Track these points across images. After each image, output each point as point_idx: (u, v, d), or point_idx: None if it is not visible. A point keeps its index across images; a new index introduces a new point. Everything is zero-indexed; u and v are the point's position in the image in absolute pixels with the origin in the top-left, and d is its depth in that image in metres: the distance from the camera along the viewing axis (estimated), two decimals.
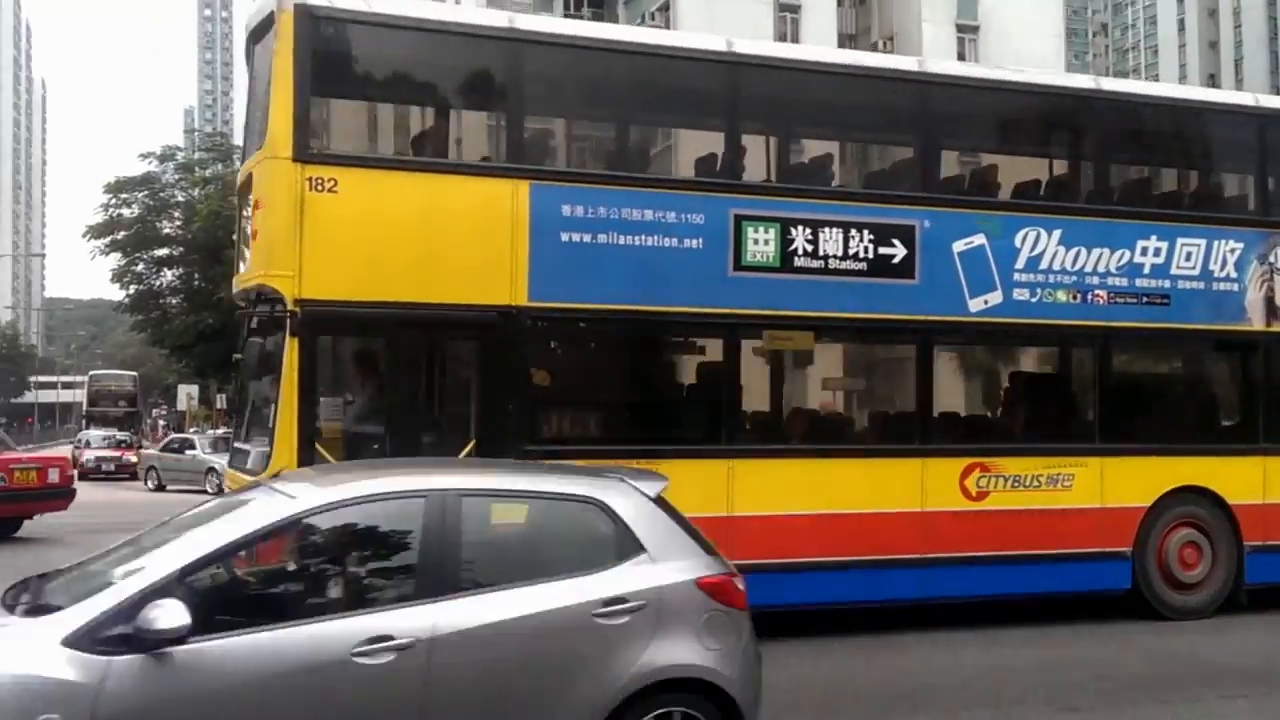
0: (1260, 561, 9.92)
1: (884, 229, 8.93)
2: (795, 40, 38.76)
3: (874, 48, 38.66)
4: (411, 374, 7.99)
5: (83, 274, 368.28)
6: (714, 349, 8.72)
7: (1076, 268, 9.43)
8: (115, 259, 37.64)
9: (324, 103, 8.05)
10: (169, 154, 40.05)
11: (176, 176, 38.96)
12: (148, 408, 69.49)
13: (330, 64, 7.97)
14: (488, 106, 8.78)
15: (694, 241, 8.42)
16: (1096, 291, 9.51)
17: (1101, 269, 9.51)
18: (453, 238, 7.87)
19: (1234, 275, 9.96)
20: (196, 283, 38.89)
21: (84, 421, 51.35)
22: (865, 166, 10.72)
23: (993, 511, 9.15)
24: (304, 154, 7.53)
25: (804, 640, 8.32)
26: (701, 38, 9.25)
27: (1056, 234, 9.39)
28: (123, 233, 37.01)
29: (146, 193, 37.60)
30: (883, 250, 8.89)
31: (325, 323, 7.62)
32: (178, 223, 37.96)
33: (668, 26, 35.56)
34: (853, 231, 8.81)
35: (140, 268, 38.73)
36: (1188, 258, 9.80)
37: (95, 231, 37.08)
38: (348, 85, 8.45)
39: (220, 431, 49.00)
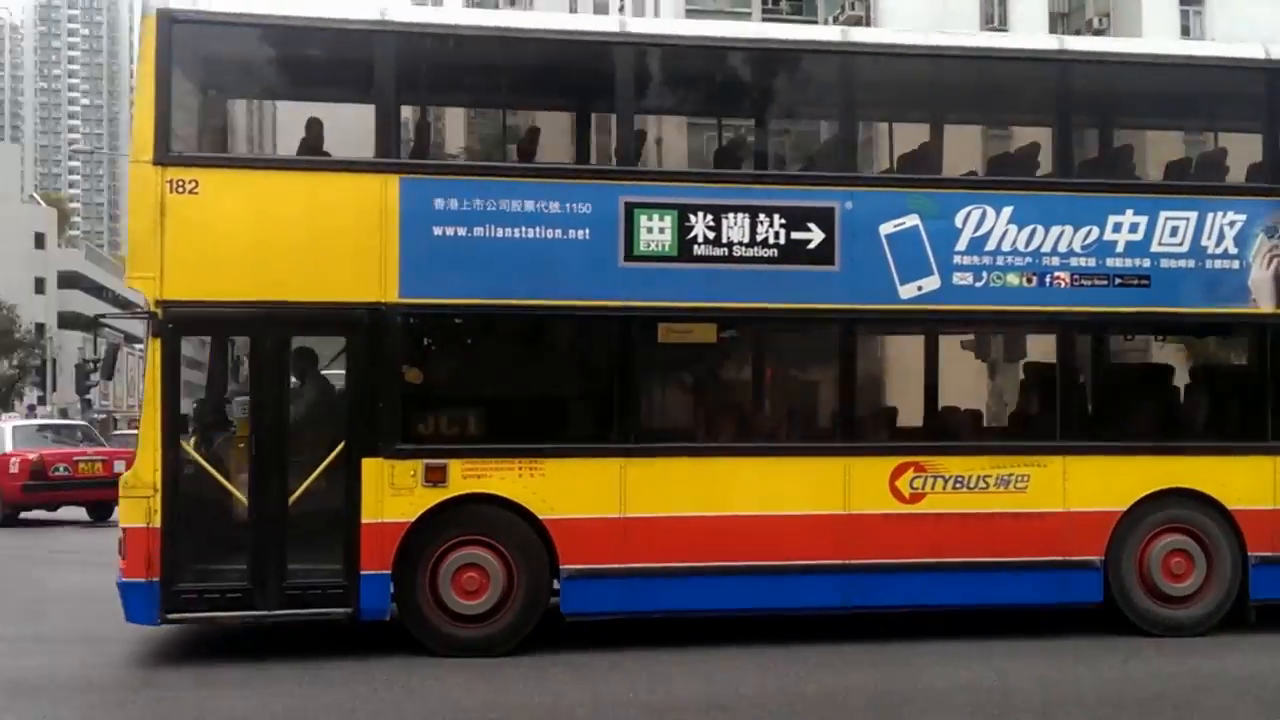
0: (1269, 575, 8.76)
1: (797, 212, 8.32)
2: (1003, 23, 37.07)
3: (1087, 26, 36.43)
4: (279, 374, 8.03)
5: None
6: (604, 343, 8.37)
7: (1032, 248, 8.53)
8: None
9: (187, 105, 8.19)
10: None
11: None
12: None
13: (193, 67, 8.15)
14: (356, 100, 8.73)
15: (580, 232, 8.11)
16: (1057, 274, 8.56)
17: (1063, 248, 8.55)
18: (320, 235, 7.88)
19: (1234, 251, 8.75)
20: None
21: None
22: (779, 145, 10.04)
23: (929, 515, 8.42)
24: (164, 157, 7.69)
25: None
26: (582, 18, 8.93)
27: (1007, 211, 8.52)
28: None
29: None
30: (796, 235, 8.30)
31: (187, 323, 7.78)
32: None
33: (867, 19, 34.55)
34: (761, 216, 8.25)
35: None
36: (1173, 233, 8.69)
37: None
38: (211, 87, 8.62)
39: None
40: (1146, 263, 8.67)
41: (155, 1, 7.84)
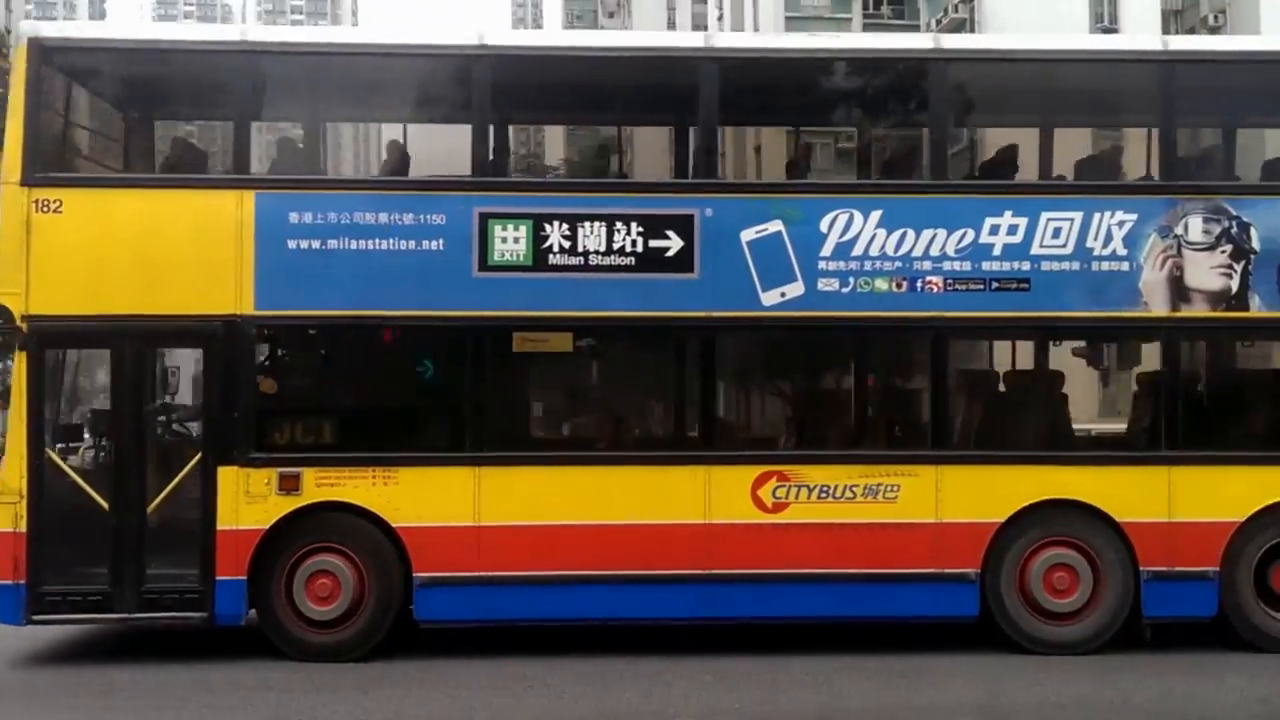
0: (1164, 590, 8.38)
1: (656, 220, 8.28)
2: (1113, 22, 36.04)
3: (1202, 24, 35.11)
4: (139, 385, 8.30)
5: None
6: (459, 353, 8.45)
7: (902, 252, 8.33)
8: None
9: (55, 128, 8.52)
10: None
11: None
12: None
13: (61, 91, 8.48)
14: (214, 118, 8.96)
15: (434, 243, 8.21)
16: (929, 278, 8.33)
17: (935, 252, 8.31)
18: (178, 250, 8.13)
19: (1124, 253, 8.40)
20: None
21: None
22: (640, 153, 9.94)
23: (793, 525, 8.28)
24: (30, 178, 8.04)
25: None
26: (415, 29, 9.04)
27: (876, 215, 8.34)
28: None
29: None
30: (655, 243, 8.25)
31: (51, 337, 8.11)
32: None
33: (971, 22, 33.88)
34: (618, 225, 8.24)
35: None
36: (1056, 234, 8.37)
37: None
38: (79, 110, 8.91)
39: None
40: (1026, 266, 8.37)
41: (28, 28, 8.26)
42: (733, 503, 8.27)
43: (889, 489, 8.32)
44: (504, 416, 8.58)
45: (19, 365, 8.02)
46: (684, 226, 8.29)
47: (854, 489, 8.31)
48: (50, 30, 8.49)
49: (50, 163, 8.26)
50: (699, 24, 46.56)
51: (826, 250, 8.30)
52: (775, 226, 8.31)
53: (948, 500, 8.33)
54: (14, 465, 8.00)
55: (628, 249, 8.26)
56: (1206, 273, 8.43)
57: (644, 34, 12.38)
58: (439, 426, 8.69)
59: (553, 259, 8.23)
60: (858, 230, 8.32)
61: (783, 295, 8.30)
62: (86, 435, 8.57)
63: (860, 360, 9.18)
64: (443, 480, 8.22)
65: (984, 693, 7.55)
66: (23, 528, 7.98)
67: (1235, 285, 8.44)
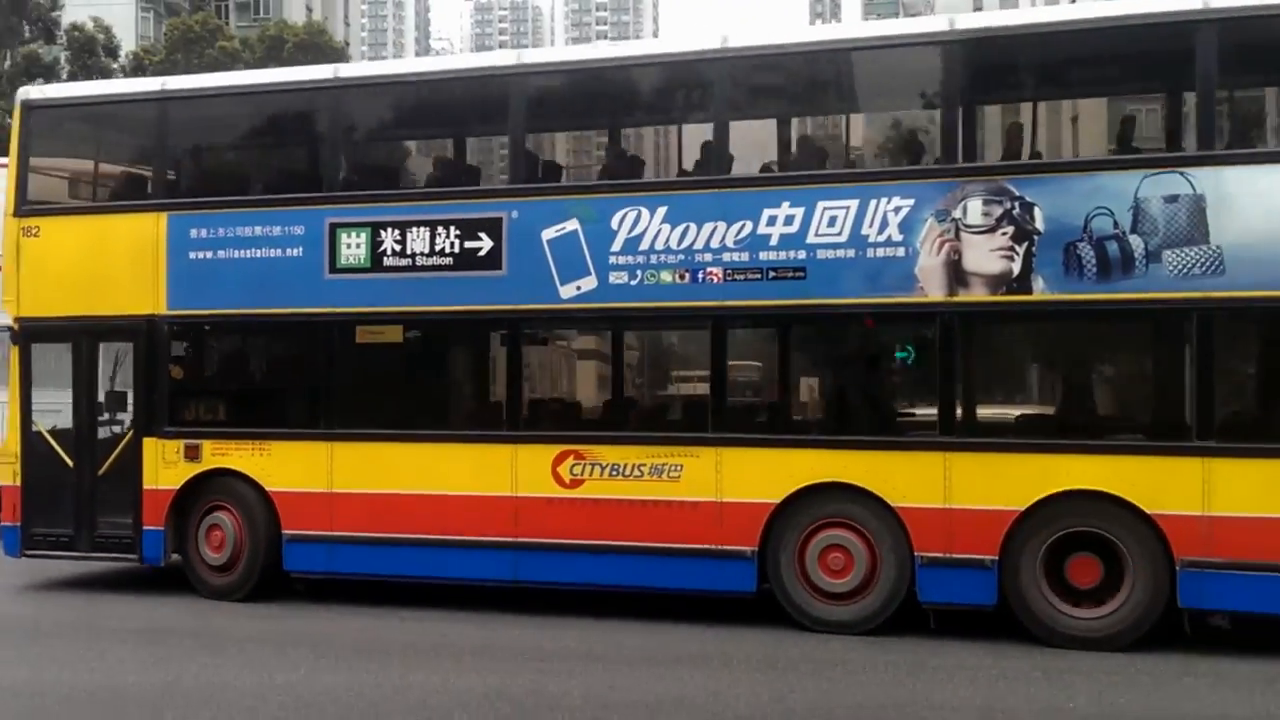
0: (940, 577, 8.39)
1: (470, 224, 9.37)
2: None
3: None
4: (92, 372, 10.50)
5: None
6: (315, 344, 9.97)
7: (684, 245, 8.86)
8: None
9: (40, 169, 10.88)
10: None
11: None
12: None
13: (44, 140, 10.77)
14: (142, 157, 10.89)
15: (296, 250, 9.80)
16: (710, 269, 8.82)
17: (715, 244, 8.79)
18: (117, 262, 10.26)
19: (899, 238, 8.45)
20: None
21: None
22: (458, 163, 10.73)
23: (588, 500, 9.11)
24: (19, 210, 10.51)
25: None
26: (267, 73, 10.52)
27: (661, 211, 8.93)
28: None
29: None
30: (469, 244, 9.36)
31: (34, 333, 10.51)
32: None
33: None
34: (439, 229, 9.43)
35: None
36: (831, 223, 8.56)
37: None
38: (56, 153, 11.20)
39: None
40: (802, 254, 8.64)
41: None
42: (536, 478, 9.23)
43: (673, 468, 8.93)
44: (351, 399, 10.00)
45: (13, 356, 10.55)
46: (494, 228, 9.33)
47: (642, 468, 9.00)
48: (35, 93, 10.95)
49: (35, 196, 10.70)
50: None
51: (616, 246, 9.02)
52: (572, 225, 9.14)
53: (727, 480, 8.80)
54: (13, 434, 10.55)
55: (447, 250, 9.43)
56: (988, 256, 8.30)
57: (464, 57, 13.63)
58: (301, 407, 10.29)
59: (387, 261, 9.57)
60: (645, 226, 8.97)
61: (578, 289, 9.12)
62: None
63: (647, 347, 9.75)
64: (303, 453, 9.83)
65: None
66: (18, 482, 10.51)
67: (1017, 268, 8.27)
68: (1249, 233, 7.92)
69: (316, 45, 47.15)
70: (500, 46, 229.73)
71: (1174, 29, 8.44)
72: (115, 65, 41.00)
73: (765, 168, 9.45)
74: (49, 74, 38.94)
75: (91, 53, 40.15)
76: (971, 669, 7.65)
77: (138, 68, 41.35)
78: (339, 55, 49.59)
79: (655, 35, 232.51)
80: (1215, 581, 7.92)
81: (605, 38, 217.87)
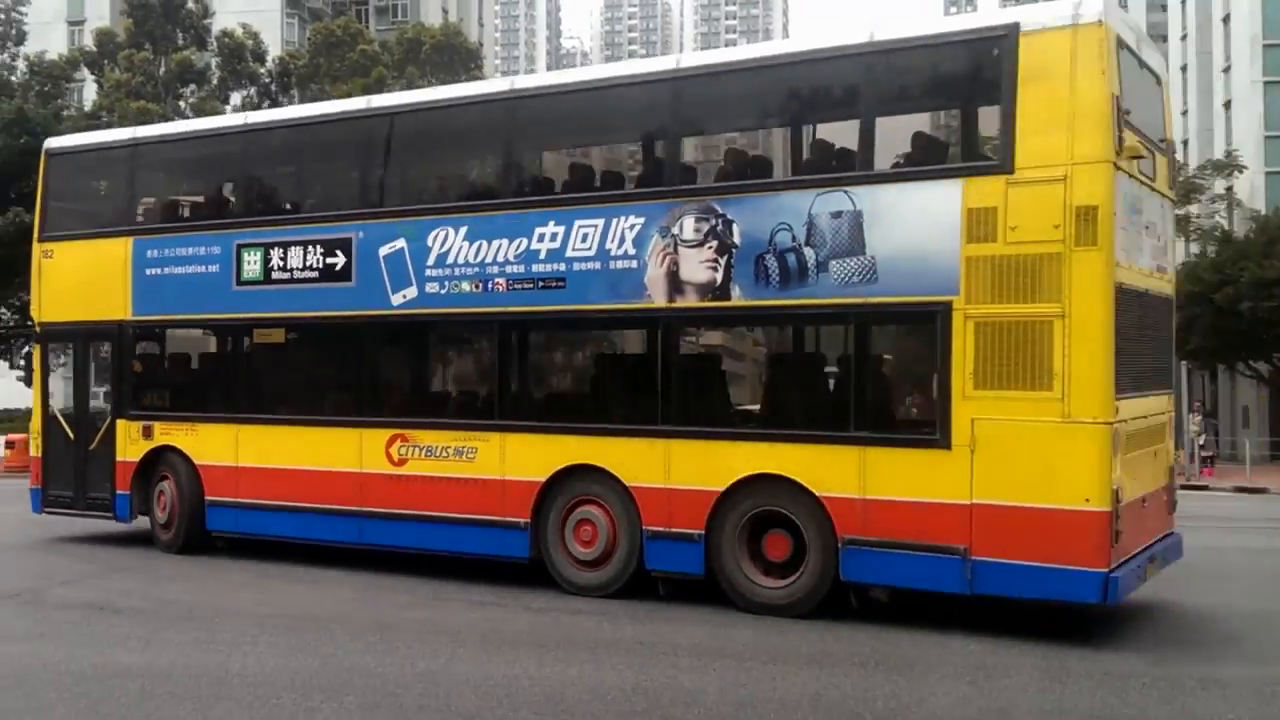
0: (662, 548, 9.60)
1: (330, 243, 11.31)
2: None
3: None
4: (87, 368, 13.21)
5: None
6: (227, 344, 12.34)
7: (478, 259, 10.41)
8: None
9: (57, 203, 13.70)
10: None
11: None
12: None
13: (62, 180, 13.65)
14: (117, 192, 13.40)
15: (215, 267, 12.06)
16: (496, 280, 10.32)
17: (500, 258, 10.29)
18: (102, 278, 12.87)
19: (632, 252, 9.67)
20: None
21: None
22: (327, 191, 12.45)
23: (411, 476, 10.85)
24: (41, 237, 13.44)
25: None
26: (203, 120, 12.68)
27: (463, 230, 10.53)
28: None
29: None
30: (329, 260, 11.30)
31: (49, 334, 13.40)
32: None
33: None
34: (310, 248, 11.42)
35: None
36: (584, 239, 9.89)
37: None
38: (70, 190, 13.95)
39: None
40: (563, 267, 10.00)
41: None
42: (375, 457, 11.06)
43: (470, 451, 10.53)
44: (250, 389, 12.22)
45: (36, 355, 13.49)
46: (346, 247, 11.23)
47: (448, 449, 10.65)
48: (54, 143, 13.93)
49: (52, 226, 13.57)
50: None
51: (431, 260, 10.70)
52: (400, 243, 10.90)
53: (509, 461, 10.32)
54: (36, 416, 13.49)
55: (315, 265, 11.41)
56: (696, 266, 9.41)
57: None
58: (218, 396, 12.59)
59: (274, 275, 11.66)
60: (451, 243, 10.61)
61: (404, 297, 10.87)
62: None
63: (456, 347, 11.29)
64: (219, 433, 12.11)
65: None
66: (39, 454, 13.42)
67: (720, 277, 9.32)
68: (897, 244, 8.70)
69: (452, 46, 49.13)
70: (630, 43, 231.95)
71: (823, 64, 9.47)
72: (262, 70, 44.01)
73: (539, 192, 10.87)
74: (200, 79, 42.58)
75: (240, 58, 43.06)
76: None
77: (283, 72, 44.51)
78: (474, 56, 51.72)
79: (785, 30, 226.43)
80: (870, 558, 8.77)
81: (735, 32, 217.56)
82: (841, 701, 6.90)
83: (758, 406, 9.80)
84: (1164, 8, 64.13)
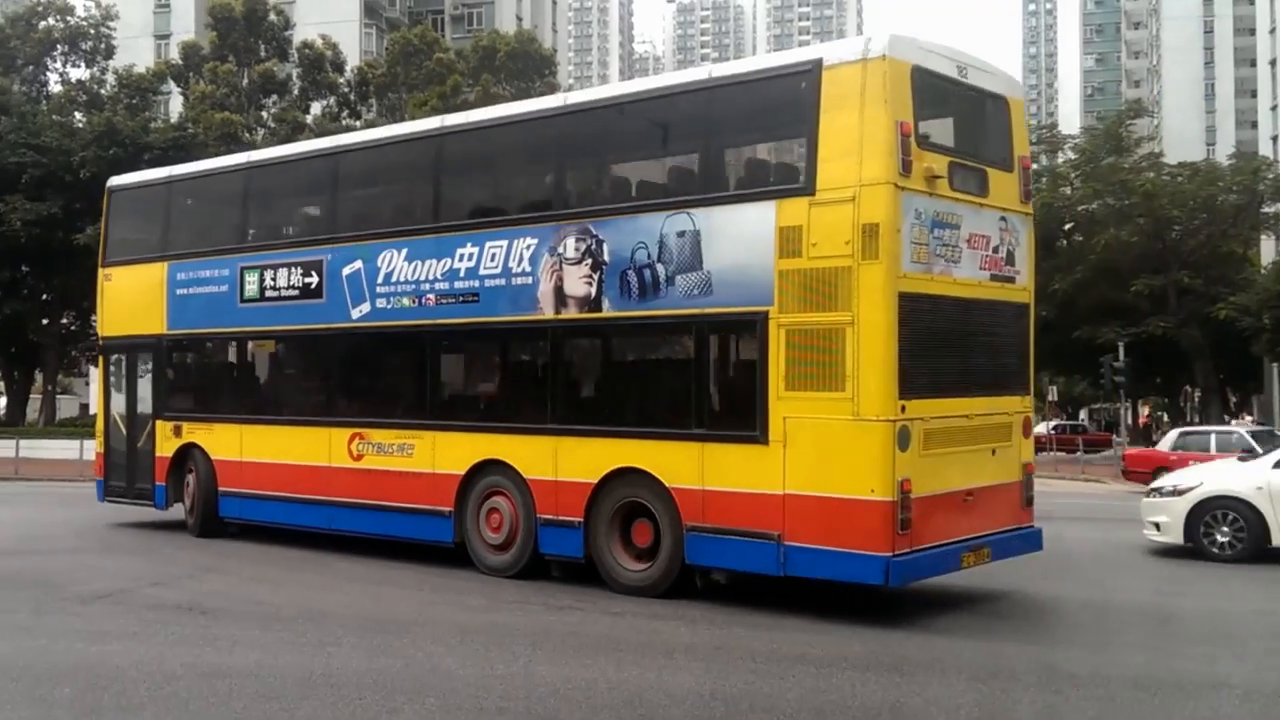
0: (551, 534, 10.73)
1: (307, 265, 12.89)
2: None
3: None
4: (134, 376, 15.23)
5: None
6: (233, 354, 14.23)
7: (415, 278, 11.73)
8: None
9: (117, 233, 15.90)
10: None
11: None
12: None
13: (118, 213, 15.87)
14: (158, 222, 15.34)
15: (224, 287, 13.85)
16: (428, 295, 11.62)
17: (431, 276, 11.58)
18: (146, 298, 14.88)
19: (529, 269, 10.79)
20: None
21: None
22: (303, 220, 13.99)
23: (367, 470, 12.28)
24: (104, 263, 15.70)
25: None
26: (212, 161, 14.57)
27: (404, 252, 11.87)
28: None
29: None
30: (306, 280, 12.89)
31: (107, 348, 15.60)
32: None
33: None
34: (294, 269, 13.04)
35: None
36: (493, 259, 11.08)
37: None
38: (124, 221, 16.05)
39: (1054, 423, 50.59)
40: (477, 283, 11.21)
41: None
42: (339, 453, 12.55)
43: (410, 447, 11.85)
44: (250, 393, 14.00)
45: (100, 366, 15.74)
46: (319, 268, 12.76)
47: (394, 446, 12.01)
48: (115, 181, 16.26)
49: (111, 254, 15.78)
50: None
51: (380, 279, 12.09)
52: (358, 264, 12.34)
53: (439, 457, 11.58)
54: (100, 417, 15.72)
55: (296, 285, 13.00)
56: (576, 282, 10.43)
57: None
58: (228, 399, 14.32)
59: (267, 294, 13.34)
60: (395, 264, 11.97)
61: (361, 311, 12.30)
62: None
63: (400, 355, 12.51)
64: (229, 432, 13.88)
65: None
66: (102, 450, 15.64)
67: (593, 291, 10.31)
68: (727, 260, 9.55)
69: (526, 54, 49.41)
70: (702, 46, 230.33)
71: (670, 99, 10.58)
72: (341, 80, 45.12)
73: (459, 218, 12.07)
74: (282, 90, 44.36)
75: (320, 69, 44.13)
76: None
77: (362, 82, 45.63)
78: (548, 62, 51.93)
79: (860, 31, 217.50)
80: (708, 543, 9.60)
81: (808, 34, 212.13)
82: (923, 709, 6.99)
83: (625, 407, 10.71)
84: (1251, 1, 60.65)
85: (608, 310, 10.30)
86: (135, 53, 49.27)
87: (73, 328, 40.19)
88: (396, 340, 12.39)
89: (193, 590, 11.05)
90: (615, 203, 10.74)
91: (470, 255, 11.33)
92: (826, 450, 9.03)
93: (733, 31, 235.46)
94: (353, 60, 49.40)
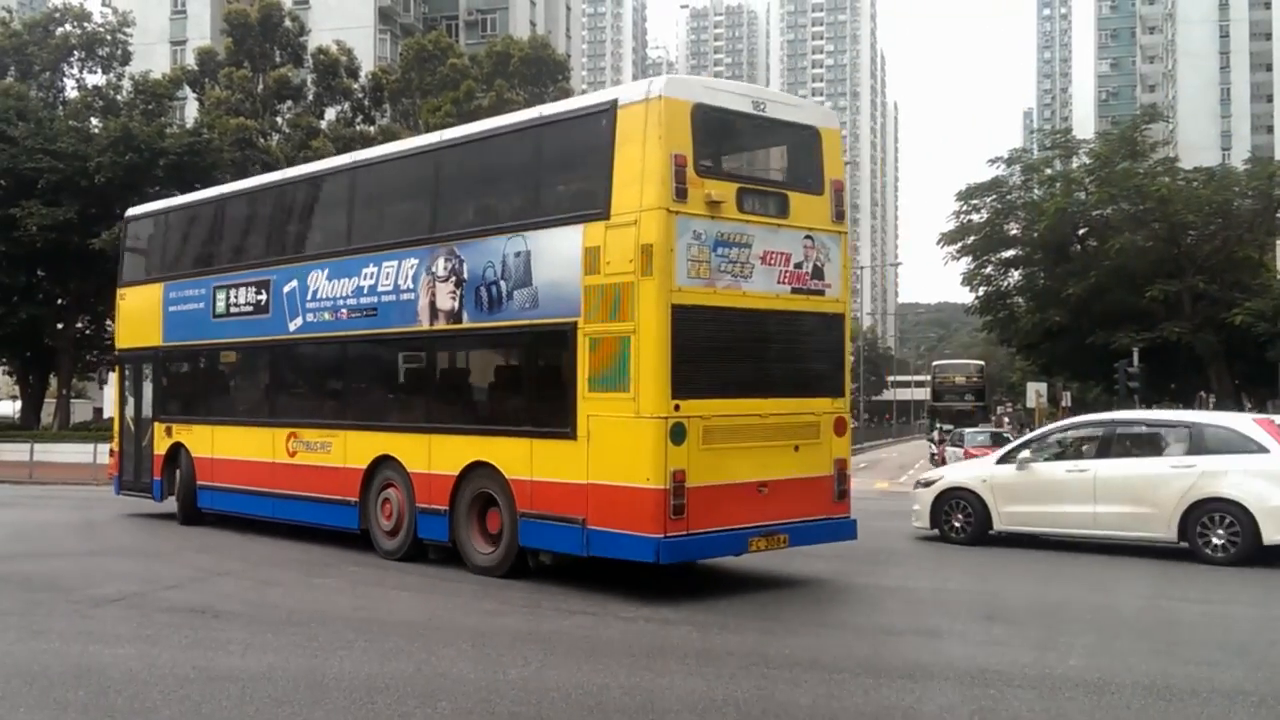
0: (426, 520, 13.46)
1: (260, 284, 16.27)
2: None
3: None
4: (139, 383, 18.99)
5: (929, 280, 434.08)
6: (208, 363, 18.04)
7: (333, 295, 14.96)
8: (964, 263, 45.19)
9: (130, 256, 19.84)
10: (1016, 157, 45.68)
11: (1022, 178, 44.58)
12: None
13: (130, 239, 19.93)
14: (154, 248, 19.20)
15: (202, 304, 17.40)
16: (341, 310, 14.85)
17: (344, 293, 14.81)
18: (148, 313, 18.65)
19: (412, 286, 13.74)
20: (1041, 281, 44.37)
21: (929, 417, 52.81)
22: (258, 245, 17.32)
23: (299, 465, 15.57)
24: (119, 284, 19.75)
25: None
26: (205, 192, 18.22)
27: (325, 272, 15.14)
28: (972, 237, 43.87)
29: (994, 196, 43.82)
30: (258, 297, 16.28)
31: (121, 359, 19.65)
32: (1023, 223, 43.79)
33: None
34: (251, 288, 16.43)
35: (989, 270, 45.33)
36: (387, 277, 14.16)
37: (947, 238, 44.87)
38: (134, 246, 19.93)
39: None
40: (375, 300, 14.33)
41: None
42: (279, 450, 15.89)
43: (328, 444, 15.10)
44: (217, 398, 17.71)
45: (116, 375, 19.83)
46: (267, 287, 16.14)
47: (317, 444, 15.28)
48: (131, 211, 20.29)
49: (125, 276, 19.64)
50: None
51: (309, 295, 15.37)
52: (294, 283, 15.64)
53: (349, 453, 14.74)
54: (115, 419, 19.68)
55: (251, 302, 16.41)
56: (445, 297, 13.30)
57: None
58: (203, 402, 17.91)
59: (231, 310, 16.86)
60: (319, 282, 15.22)
61: (296, 325, 15.61)
62: None
63: (324, 362, 15.76)
64: (203, 432, 17.48)
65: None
66: (116, 448, 19.49)
67: (457, 305, 13.15)
68: (549, 277, 12.12)
69: (540, 59, 51.87)
70: (715, 52, 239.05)
71: (510, 136, 13.35)
72: (356, 85, 48.46)
73: (365, 241, 15.12)
74: (297, 96, 47.41)
75: (335, 74, 47.26)
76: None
77: (376, 87, 48.40)
78: (561, 68, 54.29)
79: (873, 34, 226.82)
80: (534, 527, 12.17)
81: (822, 38, 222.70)
82: (936, 715, 7.36)
83: (478, 408, 13.69)
84: (1267, 5, 62.40)
85: (466, 322, 13.17)
86: (151, 59, 52.61)
87: (87, 332, 43.75)
88: (320, 349, 15.59)
89: (205, 593, 11.93)
90: (474, 227, 13.50)
91: (371, 274, 14.43)
92: (617, 444, 11.27)
93: (746, 37, 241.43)
94: (367, 66, 52.06)
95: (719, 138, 12.04)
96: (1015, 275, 46.83)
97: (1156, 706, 7.50)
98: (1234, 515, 14.24)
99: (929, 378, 60.74)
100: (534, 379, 12.80)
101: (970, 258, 45.55)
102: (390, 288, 14.15)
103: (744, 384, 11.91)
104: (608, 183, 11.59)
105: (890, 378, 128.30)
